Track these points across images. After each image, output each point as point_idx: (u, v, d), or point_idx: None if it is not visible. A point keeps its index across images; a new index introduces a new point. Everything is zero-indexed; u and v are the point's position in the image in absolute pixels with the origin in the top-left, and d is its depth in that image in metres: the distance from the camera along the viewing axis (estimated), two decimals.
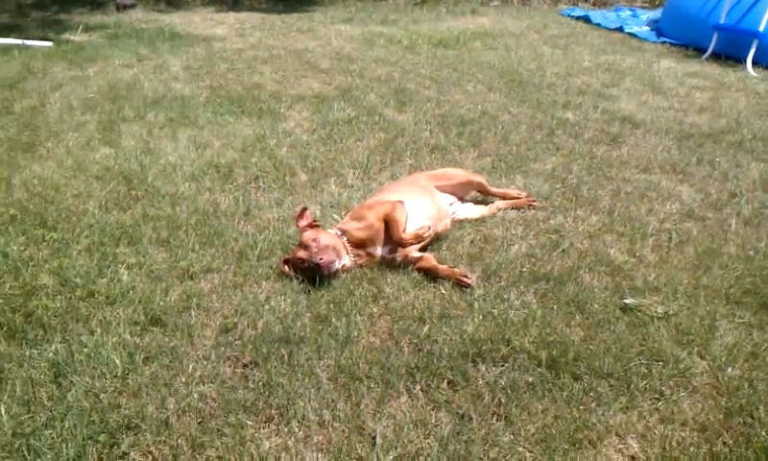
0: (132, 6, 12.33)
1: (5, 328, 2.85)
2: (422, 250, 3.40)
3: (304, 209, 3.43)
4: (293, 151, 4.95)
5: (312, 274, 3.15)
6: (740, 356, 2.71)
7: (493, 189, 4.08)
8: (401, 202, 3.45)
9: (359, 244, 3.34)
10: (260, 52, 8.47)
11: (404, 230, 3.33)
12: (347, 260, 3.29)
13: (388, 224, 3.34)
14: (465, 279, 3.16)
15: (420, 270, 3.28)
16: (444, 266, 3.26)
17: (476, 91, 6.71)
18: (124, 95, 6.41)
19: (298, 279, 3.19)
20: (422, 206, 3.57)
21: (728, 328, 2.90)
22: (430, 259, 3.31)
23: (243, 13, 11.91)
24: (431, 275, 3.24)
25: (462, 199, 3.97)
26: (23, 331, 2.84)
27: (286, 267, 3.26)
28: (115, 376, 2.57)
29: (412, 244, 3.33)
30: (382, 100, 6.30)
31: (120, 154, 4.88)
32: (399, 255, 3.34)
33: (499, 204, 4.00)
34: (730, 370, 2.63)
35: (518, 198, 4.05)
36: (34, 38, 9.07)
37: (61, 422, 2.34)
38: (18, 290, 3.13)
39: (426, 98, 6.39)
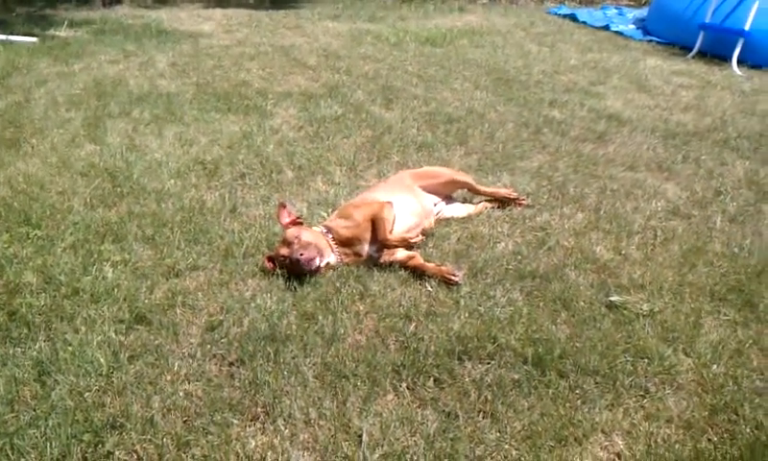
0: (119, 1, 12.23)
1: None
2: (409, 249, 3.39)
3: (283, 205, 3.42)
4: (279, 148, 4.93)
5: (294, 270, 3.14)
6: (725, 353, 2.73)
7: (482, 188, 4.02)
8: (390, 202, 3.43)
9: (345, 242, 3.33)
10: (247, 49, 8.42)
11: (391, 232, 3.32)
12: (331, 258, 3.28)
13: (375, 224, 3.32)
14: (452, 278, 3.16)
15: (407, 268, 3.28)
16: (432, 264, 3.26)
17: (463, 89, 6.71)
18: (109, 92, 6.36)
19: (283, 275, 3.18)
20: (407, 204, 3.56)
21: (712, 326, 2.92)
22: (417, 257, 3.31)
23: (230, 10, 11.85)
24: (418, 272, 3.24)
25: (448, 198, 3.96)
26: (7, 330, 2.81)
27: (269, 264, 3.25)
28: (100, 375, 2.55)
29: (396, 246, 3.32)
30: (369, 97, 6.29)
31: (105, 150, 4.84)
32: (386, 256, 3.33)
33: (487, 202, 3.99)
34: (714, 367, 2.65)
35: (508, 197, 4.01)
36: (18, 34, 8.96)
37: (45, 421, 2.32)
38: (2, 288, 3.10)
39: (413, 95, 6.38)
